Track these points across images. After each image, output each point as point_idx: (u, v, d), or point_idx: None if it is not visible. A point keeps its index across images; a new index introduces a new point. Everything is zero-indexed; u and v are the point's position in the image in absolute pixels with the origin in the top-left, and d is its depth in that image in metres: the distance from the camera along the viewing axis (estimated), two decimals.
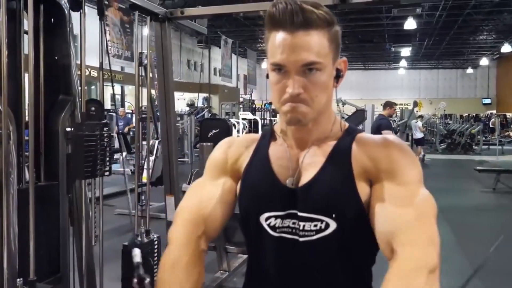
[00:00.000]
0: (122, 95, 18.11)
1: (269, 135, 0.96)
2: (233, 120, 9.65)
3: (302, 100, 0.81)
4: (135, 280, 1.14)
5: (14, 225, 1.68)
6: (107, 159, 1.73)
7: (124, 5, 1.87)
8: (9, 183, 1.66)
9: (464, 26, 18.79)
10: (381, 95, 33.35)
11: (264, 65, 30.89)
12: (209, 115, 14.57)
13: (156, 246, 2.12)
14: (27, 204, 1.73)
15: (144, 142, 2.62)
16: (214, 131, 7.57)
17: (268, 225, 0.87)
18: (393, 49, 23.69)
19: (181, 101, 18.00)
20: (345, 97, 17.51)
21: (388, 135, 0.98)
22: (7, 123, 1.64)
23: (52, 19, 1.83)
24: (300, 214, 0.85)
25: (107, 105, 17.59)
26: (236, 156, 0.96)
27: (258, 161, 0.93)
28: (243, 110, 16.33)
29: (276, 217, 0.87)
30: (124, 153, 7.37)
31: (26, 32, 1.78)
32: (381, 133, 5.71)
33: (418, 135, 12.08)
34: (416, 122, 12.19)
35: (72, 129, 1.83)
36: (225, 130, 7.66)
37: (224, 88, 20.09)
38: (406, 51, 24.12)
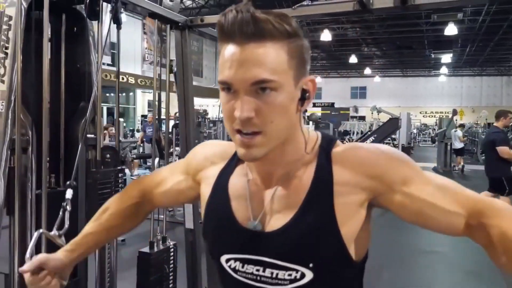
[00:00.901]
0: (159, 101, 18.52)
1: (237, 158, 0.83)
2: None
3: (255, 126, 0.68)
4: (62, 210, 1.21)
5: (32, 228, 1.73)
6: None
7: (145, 14, 1.89)
8: (27, 188, 1.71)
9: (510, 31, 17.96)
10: (421, 102, 32.43)
11: None
12: None
13: (172, 254, 2.11)
14: (48, 209, 1.76)
15: (177, 148, 2.63)
16: None
17: (229, 267, 0.80)
18: (433, 56, 23.00)
19: (216, 107, 18.21)
20: (381, 104, 17.12)
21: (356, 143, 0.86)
22: (26, 129, 1.69)
23: (75, 28, 1.88)
24: (269, 261, 0.75)
25: (144, 111, 18.12)
26: (199, 168, 0.89)
27: (218, 193, 0.83)
28: None
29: (236, 259, 0.79)
30: (157, 159, 7.50)
31: (50, 41, 1.83)
32: (495, 151, 5.08)
33: (458, 145, 11.60)
34: (455, 131, 11.72)
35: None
36: None
37: None
38: (447, 58, 23.34)
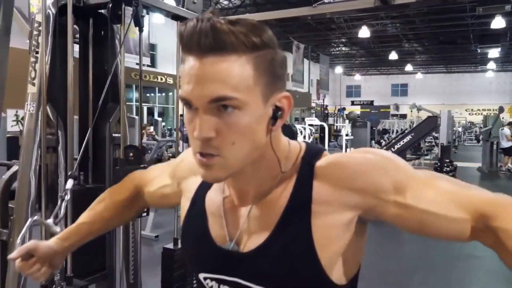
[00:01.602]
0: None
1: None
2: (299, 126, 9.57)
3: (214, 148, 0.62)
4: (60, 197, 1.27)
5: (62, 224, 1.82)
6: None
7: (167, 16, 1.94)
8: (57, 185, 1.80)
9: None
10: (466, 100, 31.07)
11: (338, 69, 30.51)
12: None
13: None
14: (76, 204, 1.84)
15: None
16: None
17: (207, 285, 0.77)
18: (479, 51, 21.94)
19: None
20: (423, 102, 16.55)
21: (343, 153, 0.78)
22: (56, 129, 1.78)
23: (102, 32, 1.96)
24: (244, 283, 0.71)
25: (180, 110, 18.47)
26: (183, 176, 0.87)
27: (195, 210, 0.80)
28: (316, 116, 16.15)
29: (212, 279, 0.76)
30: None
31: (77, 43, 1.92)
32: None
33: (505, 144, 11.02)
34: (502, 129, 11.15)
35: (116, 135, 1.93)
36: (289, 136, 7.59)
37: (295, 94, 20.05)
38: (494, 52, 22.20)
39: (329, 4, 1.65)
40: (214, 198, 0.78)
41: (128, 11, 1.74)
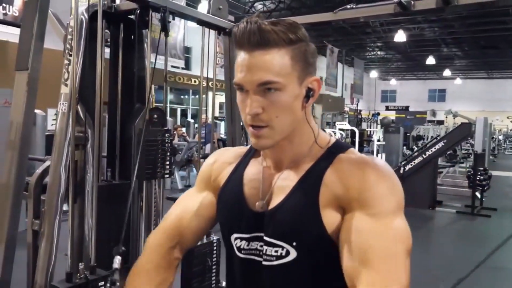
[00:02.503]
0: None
1: (253, 151, 0.96)
2: (329, 130, 9.51)
3: (262, 121, 0.79)
4: (108, 284, 1.31)
5: (88, 217, 1.93)
6: (167, 162, 1.88)
7: (194, 21, 2.02)
8: (86, 181, 1.91)
9: None
10: (508, 107, 29.81)
11: (373, 74, 29.99)
12: None
13: (215, 248, 2.21)
14: (103, 199, 1.94)
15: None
16: None
17: (236, 245, 0.89)
18: None
19: None
20: (462, 108, 16.02)
21: (369, 156, 0.87)
22: (86, 128, 1.89)
23: (132, 36, 2.06)
24: (265, 238, 0.84)
25: (216, 113, 18.76)
26: (218, 172, 0.98)
27: (232, 181, 0.93)
28: (349, 121, 15.97)
29: (242, 239, 0.88)
30: None
31: (108, 46, 2.02)
32: None
33: None
34: None
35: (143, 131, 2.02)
36: None
37: (328, 98, 19.91)
38: None
39: (350, 10, 1.67)
40: (253, 169, 0.92)
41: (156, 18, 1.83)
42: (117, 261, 1.29)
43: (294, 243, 0.80)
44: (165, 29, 1.76)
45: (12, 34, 8.22)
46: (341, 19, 1.92)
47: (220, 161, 0.99)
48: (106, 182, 2.03)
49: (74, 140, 1.66)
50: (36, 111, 5.47)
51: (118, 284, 1.28)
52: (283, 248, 0.81)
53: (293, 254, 0.80)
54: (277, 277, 0.82)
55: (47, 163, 1.89)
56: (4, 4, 8.60)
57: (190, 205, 1.00)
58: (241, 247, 0.88)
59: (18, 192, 1.57)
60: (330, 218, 0.78)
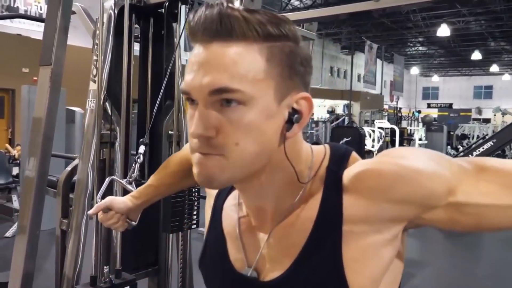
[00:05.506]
0: None
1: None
2: (368, 129, 9.23)
3: (214, 148, 0.54)
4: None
5: None
6: (195, 213, 1.81)
7: None
8: (113, 180, 1.86)
9: None
10: None
11: (414, 70, 29.02)
12: (347, 122, 14.26)
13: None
14: None
15: None
16: (345, 139, 7.37)
17: None
18: None
19: (321, 108, 18.03)
20: (511, 105, 15.15)
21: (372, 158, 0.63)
22: (114, 126, 1.84)
23: (162, 31, 1.99)
24: None
25: None
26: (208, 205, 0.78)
27: (214, 225, 0.72)
28: (388, 119, 15.51)
29: None
30: None
31: (138, 41, 1.97)
32: None
33: None
34: None
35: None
36: (357, 139, 7.37)
37: (366, 95, 19.42)
38: None
39: None
40: (229, 215, 0.70)
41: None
42: (142, 147, 1.43)
43: None
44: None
45: None
46: (382, 7, 1.76)
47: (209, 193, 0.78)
48: (137, 181, 1.98)
49: (99, 138, 1.60)
50: (75, 108, 5.60)
51: (139, 161, 1.36)
52: None
53: None
54: None
55: (76, 161, 1.87)
56: None
57: None
58: None
59: (41, 189, 1.54)
60: (363, 278, 0.57)
